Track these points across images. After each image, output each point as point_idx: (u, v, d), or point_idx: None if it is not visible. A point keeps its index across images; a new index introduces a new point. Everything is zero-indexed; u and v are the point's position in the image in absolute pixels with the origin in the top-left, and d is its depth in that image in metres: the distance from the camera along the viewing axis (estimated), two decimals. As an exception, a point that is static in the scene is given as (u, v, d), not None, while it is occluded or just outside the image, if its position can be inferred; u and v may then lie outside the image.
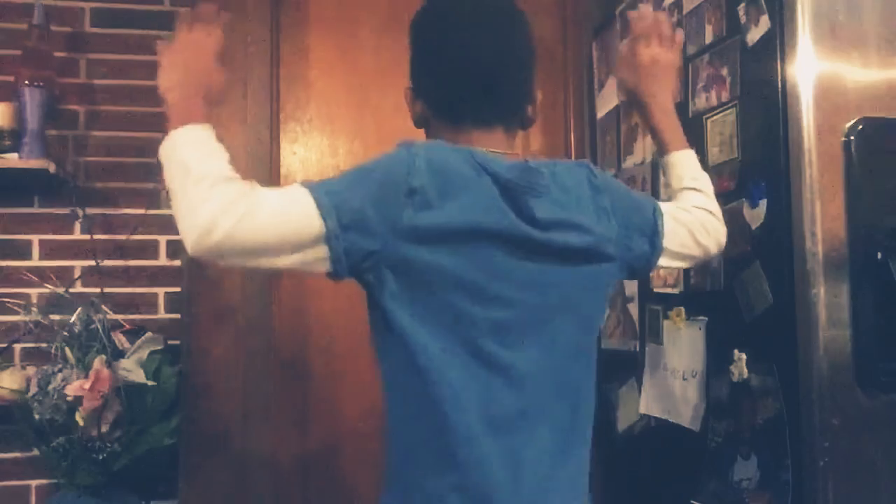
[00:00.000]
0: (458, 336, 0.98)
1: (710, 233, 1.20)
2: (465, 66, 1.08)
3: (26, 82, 1.87)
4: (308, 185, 0.98)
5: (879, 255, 1.16)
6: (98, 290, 1.98)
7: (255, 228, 0.94)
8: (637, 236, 1.11)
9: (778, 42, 1.24)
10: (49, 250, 2.01)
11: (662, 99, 1.27)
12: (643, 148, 1.70)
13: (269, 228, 0.95)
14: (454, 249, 0.97)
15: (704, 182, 1.26)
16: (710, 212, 1.22)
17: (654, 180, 1.63)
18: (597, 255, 1.06)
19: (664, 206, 1.17)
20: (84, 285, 2.00)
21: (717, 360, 1.39)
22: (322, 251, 0.95)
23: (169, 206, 2.02)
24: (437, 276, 0.97)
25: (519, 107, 1.13)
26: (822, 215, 1.17)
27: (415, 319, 0.97)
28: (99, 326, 1.80)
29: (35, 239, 2.01)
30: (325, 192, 0.96)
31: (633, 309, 1.74)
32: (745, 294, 1.31)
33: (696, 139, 1.47)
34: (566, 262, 1.04)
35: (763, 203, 1.27)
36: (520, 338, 1.01)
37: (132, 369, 1.78)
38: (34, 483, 1.95)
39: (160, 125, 2.06)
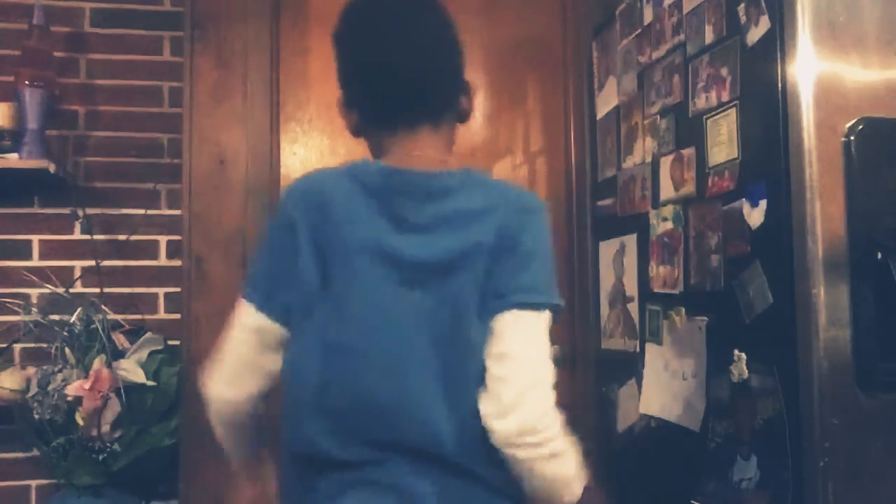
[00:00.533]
0: None
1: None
2: (380, 70, 1.09)
3: (26, 82, 1.87)
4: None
5: (879, 256, 1.16)
6: (98, 290, 1.98)
7: None
8: (490, 296, 1.02)
9: (778, 42, 1.24)
10: (49, 250, 2.02)
11: None
12: (643, 148, 1.70)
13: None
14: (341, 263, 1.02)
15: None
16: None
17: (654, 180, 1.63)
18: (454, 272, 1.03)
19: (521, 327, 1.02)
20: (84, 285, 2.00)
21: (717, 361, 1.39)
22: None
23: (168, 206, 2.05)
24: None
25: (444, 103, 1.12)
26: (822, 215, 1.17)
27: None
28: (99, 326, 1.80)
29: (35, 239, 2.01)
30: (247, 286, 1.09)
31: (633, 309, 1.73)
32: (745, 294, 1.31)
33: (696, 139, 1.47)
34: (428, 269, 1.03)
35: (763, 203, 1.27)
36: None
37: (132, 369, 1.78)
38: (34, 483, 1.95)
39: (160, 125, 2.09)
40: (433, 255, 1.02)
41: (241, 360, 1.09)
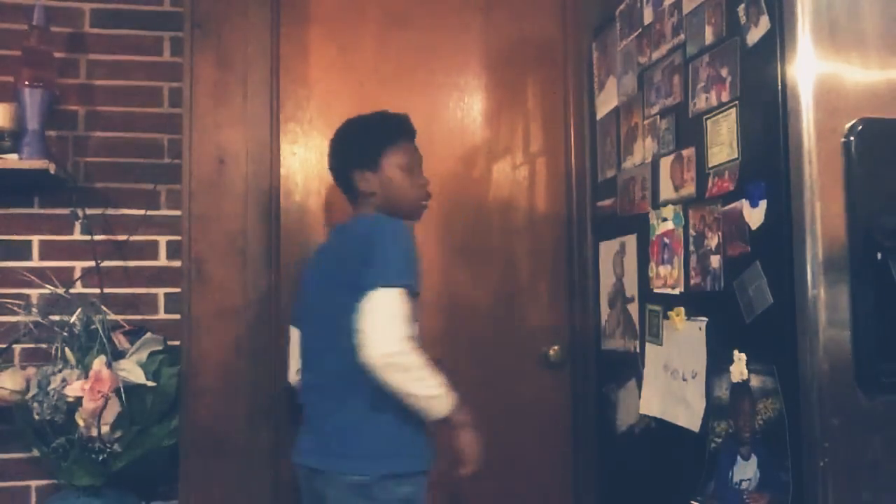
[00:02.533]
0: None
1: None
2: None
3: (26, 83, 1.87)
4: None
5: (879, 256, 1.16)
6: (98, 290, 1.98)
7: None
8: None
9: (778, 43, 1.24)
10: (49, 251, 2.02)
11: None
12: (643, 148, 1.70)
13: None
14: None
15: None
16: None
17: (654, 181, 1.63)
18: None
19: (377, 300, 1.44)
20: (84, 286, 2.00)
21: (717, 361, 1.39)
22: None
23: (168, 207, 2.04)
24: None
25: (346, 185, 1.70)
26: (822, 215, 1.17)
27: None
28: (99, 327, 1.80)
29: (35, 239, 2.01)
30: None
31: (634, 309, 1.74)
32: (745, 294, 1.31)
33: (695, 139, 1.47)
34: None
35: (763, 203, 1.27)
36: None
37: (132, 370, 1.78)
38: (34, 483, 1.95)
39: (160, 126, 2.10)
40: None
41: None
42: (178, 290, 1.99)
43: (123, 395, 1.74)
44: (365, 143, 1.68)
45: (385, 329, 1.42)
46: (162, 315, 2.06)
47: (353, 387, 1.49)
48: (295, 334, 1.75)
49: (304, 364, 1.67)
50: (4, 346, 1.92)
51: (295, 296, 1.80)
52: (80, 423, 1.71)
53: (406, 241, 1.52)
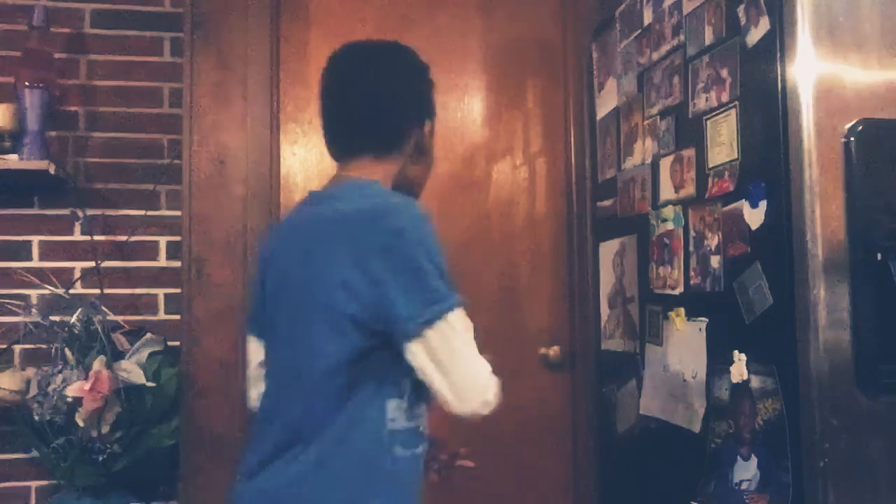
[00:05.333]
0: None
1: None
2: (328, 111, 1.33)
3: (26, 83, 1.87)
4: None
5: (879, 256, 1.16)
6: (98, 291, 1.98)
7: None
8: None
9: (778, 43, 1.24)
10: (49, 251, 2.02)
11: None
12: (643, 149, 1.70)
13: None
14: None
15: None
16: None
17: (654, 181, 1.63)
18: None
19: None
20: (84, 286, 2.00)
21: (717, 361, 1.39)
22: None
23: (168, 207, 2.04)
24: None
25: (385, 140, 1.28)
26: (822, 216, 1.17)
27: None
28: (99, 327, 1.80)
29: (35, 240, 2.01)
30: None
31: (634, 309, 1.74)
32: (745, 295, 1.31)
33: (696, 140, 1.47)
34: None
35: (763, 204, 1.27)
36: None
37: (132, 370, 1.78)
38: (34, 484, 1.95)
39: (160, 126, 2.10)
40: None
41: None
42: (178, 290, 1.99)
43: (123, 396, 1.74)
44: (423, 92, 1.33)
45: (476, 373, 1.13)
46: (162, 315, 2.06)
47: (307, 442, 1.13)
48: (254, 349, 1.34)
49: (266, 390, 1.27)
50: (4, 346, 1.93)
51: (252, 292, 1.39)
52: (80, 423, 1.71)
53: (436, 244, 1.15)
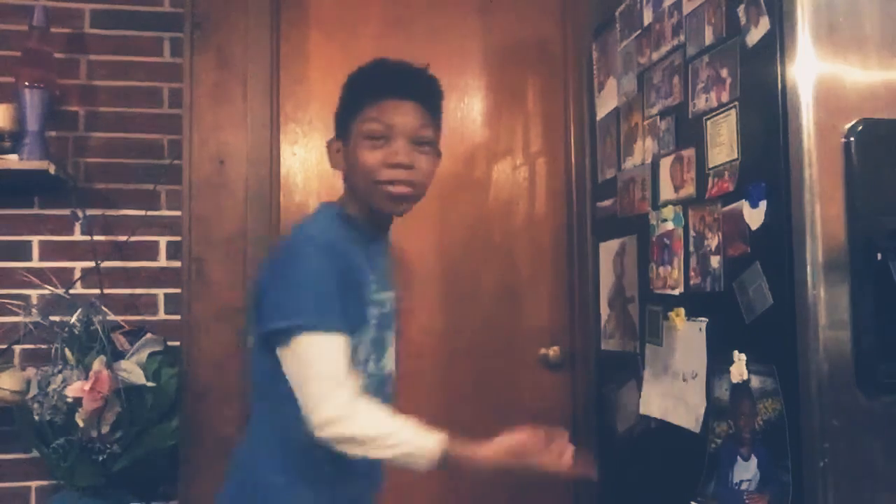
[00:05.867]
0: None
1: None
2: None
3: (26, 83, 1.87)
4: None
5: (879, 256, 1.16)
6: (98, 291, 1.98)
7: None
8: None
9: (778, 43, 1.24)
10: (49, 251, 2.02)
11: None
12: (643, 149, 1.70)
13: None
14: None
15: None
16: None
17: (654, 181, 1.63)
18: None
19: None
20: (84, 286, 2.00)
21: (717, 361, 1.39)
22: None
23: (168, 207, 2.04)
24: None
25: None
26: (822, 216, 1.17)
27: None
28: (99, 327, 1.80)
29: (35, 240, 2.02)
30: None
31: (633, 310, 1.73)
32: (744, 295, 1.31)
33: (695, 140, 1.47)
34: None
35: (763, 204, 1.27)
36: None
37: (132, 370, 1.78)
38: (34, 484, 1.95)
39: (160, 126, 2.10)
40: None
41: None
42: (178, 290, 1.99)
43: (123, 396, 1.74)
44: (341, 103, 1.32)
45: (311, 394, 1.13)
46: (162, 315, 2.06)
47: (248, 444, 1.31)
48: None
49: None
50: (4, 346, 1.93)
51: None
52: (80, 423, 1.71)
53: (310, 264, 1.17)
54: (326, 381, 1.13)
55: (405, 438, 1.13)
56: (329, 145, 1.32)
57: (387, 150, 1.23)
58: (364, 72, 1.31)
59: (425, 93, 1.30)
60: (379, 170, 1.24)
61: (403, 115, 1.25)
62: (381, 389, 1.29)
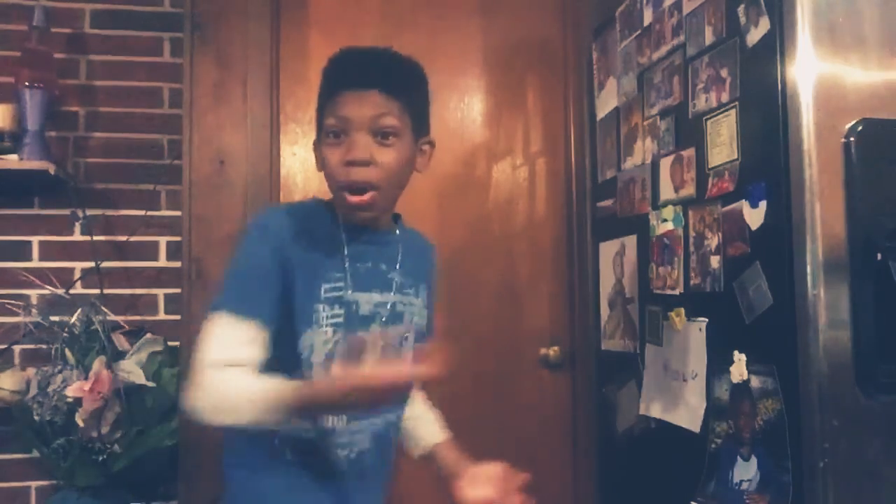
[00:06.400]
0: None
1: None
2: None
3: (26, 84, 1.87)
4: None
5: (879, 256, 1.16)
6: (98, 291, 1.98)
7: None
8: None
9: (778, 43, 1.24)
10: (49, 251, 2.02)
11: None
12: (643, 149, 1.70)
13: None
14: None
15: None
16: None
17: (654, 181, 1.63)
18: None
19: None
20: (84, 286, 2.00)
21: (717, 361, 1.39)
22: None
23: (168, 207, 2.04)
24: None
25: None
26: (822, 216, 1.17)
27: None
28: (99, 328, 1.80)
29: (35, 240, 2.02)
30: None
31: (633, 310, 1.73)
32: (745, 295, 1.31)
33: (695, 140, 1.47)
34: None
35: (763, 204, 1.27)
36: None
37: (132, 370, 1.78)
38: (34, 484, 1.95)
39: (160, 126, 2.10)
40: None
41: None
42: (178, 290, 1.99)
43: (123, 396, 1.74)
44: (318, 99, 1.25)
45: (196, 361, 1.12)
46: (162, 315, 2.06)
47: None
48: None
49: None
50: (4, 346, 1.93)
51: None
52: (80, 423, 1.71)
53: (247, 248, 1.17)
54: (204, 359, 1.11)
55: (262, 388, 1.07)
56: (314, 147, 1.26)
57: (344, 147, 1.16)
58: (327, 65, 1.24)
59: (386, 77, 1.18)
60: (338, 170, 1.16)
61: (359, 106, 1.15)
62: None
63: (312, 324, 1.16)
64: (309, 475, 1.20)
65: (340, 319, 1.18)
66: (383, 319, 1.23)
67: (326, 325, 1.17)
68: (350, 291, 1.20)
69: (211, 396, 1.09)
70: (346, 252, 1.21)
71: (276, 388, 1.06)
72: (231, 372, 1.09)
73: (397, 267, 1.27)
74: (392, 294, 1.25)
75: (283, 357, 1.15)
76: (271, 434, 1.16)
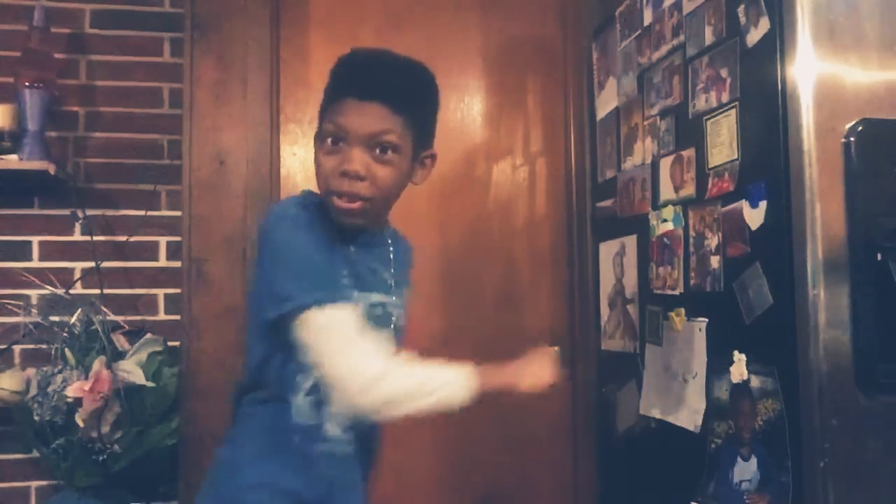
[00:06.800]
0: None
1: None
2: None
3: (26, 84, 1.87)
4: None
5: (879, 256, 1.16)
6: (98, 291, 1.98)
7: None
8: None
9: (777, 43, 1.24)
10: (49, 251, 2.02)
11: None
12: (643, 149, 1.70)
13: None
14: None
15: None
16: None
17: (654, 181, 1.63)
18: None
19: None
20: (84, 286, 2.00)
21: (717, 362, 1.39)
22: None
23: (169, 208, 2.04)
24: None
25: None
26: (822, 216, 1.17)
27: None
28: (99, 328, 1.80)
29: (35, 240, 2.02)
30: None
31: (633, 310, 1.74)
32: (744, 295, 1.31)
33: (695, 140, 1.47)
34: None
35: (763, 204, 1.27)
36: None
37: (132, 370, 1.78)
38: (34, 484, 1.95)
39: (160, 126, 2.10)
40: None
41: None
42: (178, 290, 1.99)
43: (123, 396, 1.74)
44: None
45: (340, 365, 1.10)
46: (162, 315, 2.06)
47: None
48: None
49: None
50: (4, 346, 1.93)
51: None
52: (80, 423, 1.71)
53: (293, 240, 1.13)
54: (351, 351, 1.09)
55: (440, 382, 1.14)
56: (315, 139, 1.23)
57: (341, 157, 1.13)
58: (336, 64, 1.20)
59: (392, 90, 1.14)
60: (331, 177, 1.14)
61: (361, 119, 1.13)
62: None
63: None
64: (322, 473, 1.18)
65: None
66: (377, 319, 1.21)
67: None
68: (356, 291, 1.19)
69: (390, 388, 1.10)
70: (351, 250, 1.20)
71: (450, 380, 1.16)
72: (394, 362, 1.12)
73: (390, 268, 1.27)
74: (386, 295, 1.25)
75: (284, 342, 1.14)
76: (296, 432, 1.15)
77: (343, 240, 1.20)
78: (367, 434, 1.24)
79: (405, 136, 1.16)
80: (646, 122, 1.68)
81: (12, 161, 1.85)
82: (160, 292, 2.06)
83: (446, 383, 1.15)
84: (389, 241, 1.30)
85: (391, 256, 1.28)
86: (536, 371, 1.26)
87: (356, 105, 1.14)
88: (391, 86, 1.15)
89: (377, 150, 1.14)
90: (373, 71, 1.17)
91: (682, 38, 1.53)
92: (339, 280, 1.14)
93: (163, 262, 2.07)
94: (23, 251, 2.01)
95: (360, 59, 1.18)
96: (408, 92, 1.17)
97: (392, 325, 1.26)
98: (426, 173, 1.25)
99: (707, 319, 1.44)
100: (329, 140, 1.15)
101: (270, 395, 1.18)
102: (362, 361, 1.09)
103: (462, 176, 2.19)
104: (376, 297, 1.23)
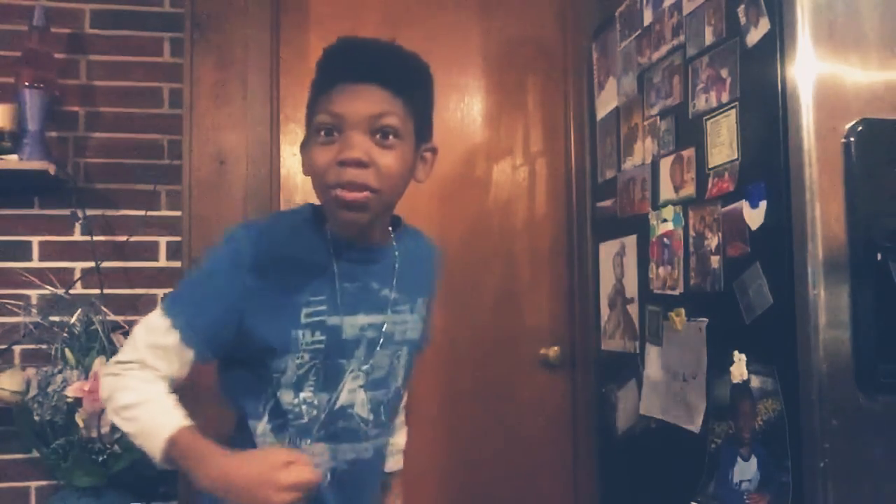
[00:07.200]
0: None
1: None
2: None
3: (26, 84, 1.87)
4: None
5: (879, 257, 1.16)
6: (98, 291, 1.98)
7: None
8: None
9: (777, 43, 1.24)
10: (49, 251, 2.02)
11: None
12: (643, 149, 1.70)
13: None
14: None
15: None
16: None
17: (654, 182, 1.63)
18: None
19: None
20: (84, 286, 2.00)
21: (717, 362, 1.39)
22: None
23: (168, 208, 2.04)
24: None
25: None
26: (822, 216, 1.17)
27: None
28: (99, 328, 1.80)
29: (35, 240, 2.01)
30: None
31: (633, 310, 1.74)
32: (745, 295, 1.31)
33: (696, 140, 1.47)
34: None
35: (763, 204, 1.27)
36: None
37: (132, 370, 1.78)
38: (34, 484, 1.95)
39: (160, 126, 2.10)
40: None
41: None
42: (178, 290, 1.99)
43: (123, 396, 1.74)
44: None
45: (126, 344, 1.12)
46: (162, 316, 2.06)
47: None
48: None
49: None
50: (4, 346, 1.92)
51: None
52: (81, 423, 1.71)
53: (211, 265, 1.10)
54: (134, 343, 1.09)
55: (144, 424, 1.04)
56: (301, 149, 1.12)
57: (337, 147, 1.02)
58: (322, 55, 1.08)
59: (389, 72, 1.04)
60: (329, 170, 1.02)
61: (357, 102, 1.02)
62: (329, 425, 1.15)
63: (290, 349, 1.10)
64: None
65: (321, 346, 1.11)
66: (369, 342, 1.16)
67: (304, 351, 1.10)
68: (333, 315, 1.11)
69: (104, 391, 1.10)
70: (334, 270, 1.11)
71: (159, 419, 1.04)
72: (142, 374, 1.08)
73: (393, 284, 1.18)
74: (383, 314, 1.17)
75: (259, 376, 1.13)
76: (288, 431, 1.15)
77: (330, 258, 1.12)
78: (352, 477, 1.18)
79: (406, 120, 1.06)
80: (646, 122, 1.68)
81: (12, 161, 1.85)
82: (160, 292, 2.06)
83: (146, 431, 1.06)
84: (396, 254, 1.20)
85: (396, 271, 1.19)
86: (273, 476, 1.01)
87: (351, 89, 1.03)
88: (388, 67, 1.05)
89: (378, 136, 1.03)
90: (366, 53, 1.06)
91: (682, 38, 1.53)
92: (208, 318, 1.08)
93: (163, 262, 2.07)
94: (23, 251, 2.00)
95: (351, 44, 1.08)
96: (406, 75, 1.08)
97: (394, 343, 1.19)
98: (428, 169, 1.15)
99: (707, 319, 1.44)
100: (322, 133, 1.04)
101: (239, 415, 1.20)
102: (124, 350, 1.09)
103: (462, 176, 2.19)
104: (363, 319, 1.15)
